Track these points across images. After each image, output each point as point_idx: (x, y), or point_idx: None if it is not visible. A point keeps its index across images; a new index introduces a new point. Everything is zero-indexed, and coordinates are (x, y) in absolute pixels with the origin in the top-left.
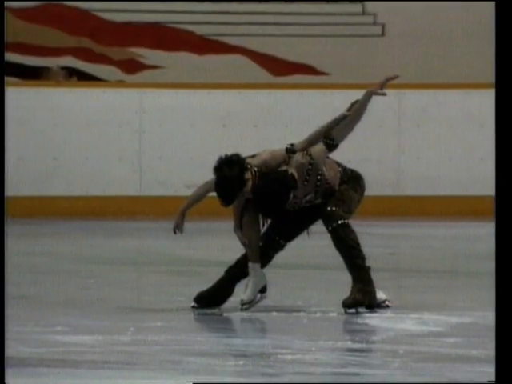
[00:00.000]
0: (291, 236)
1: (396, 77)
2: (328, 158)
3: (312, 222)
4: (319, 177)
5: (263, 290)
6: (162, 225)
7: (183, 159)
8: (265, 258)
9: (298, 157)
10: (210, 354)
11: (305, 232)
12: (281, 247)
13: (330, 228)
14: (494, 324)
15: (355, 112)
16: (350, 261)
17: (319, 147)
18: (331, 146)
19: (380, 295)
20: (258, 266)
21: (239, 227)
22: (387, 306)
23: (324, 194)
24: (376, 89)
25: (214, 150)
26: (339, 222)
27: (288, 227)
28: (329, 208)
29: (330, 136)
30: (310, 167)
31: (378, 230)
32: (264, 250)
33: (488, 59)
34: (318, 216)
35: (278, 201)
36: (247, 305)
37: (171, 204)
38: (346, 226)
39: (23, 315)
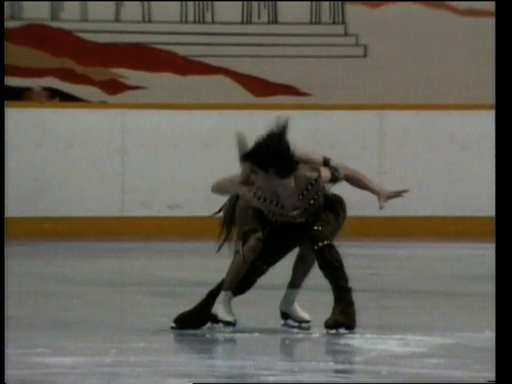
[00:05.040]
0: (273, 261)
1: (406, 191)
2: None
3: (294, 246)
4: (316, 196)
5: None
6: (145, 245)
7: (166, 180)
8: (248, 283)
9: (306, 170)
10: (193, 375)
11: (287, 254)
12: (263, 272)
13: (315, 247)
14: (476, 345)
15: (361, 179)
16: (333, 282)
17: (326, 174)
18: (336, 178)
19: (303, 314)
20: (229, 293)
21: (241, 238)
22: (308, 328)
23: (309, 215)
24: (381, 197)
25: (197, 171)
26: (325, 242)
27: (270, 253)
28: (315, 227)
29: (337, 170)
30: (313, 183)
31: (360, 250)
32: (246, 274)
33: (471, 80)
34: (300, 240)
35: (275, 152)
36: (230, 325)
37: (154, 225)
38: (331, 247)
39: (4, 336)
